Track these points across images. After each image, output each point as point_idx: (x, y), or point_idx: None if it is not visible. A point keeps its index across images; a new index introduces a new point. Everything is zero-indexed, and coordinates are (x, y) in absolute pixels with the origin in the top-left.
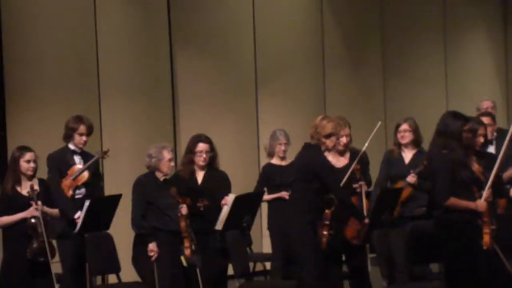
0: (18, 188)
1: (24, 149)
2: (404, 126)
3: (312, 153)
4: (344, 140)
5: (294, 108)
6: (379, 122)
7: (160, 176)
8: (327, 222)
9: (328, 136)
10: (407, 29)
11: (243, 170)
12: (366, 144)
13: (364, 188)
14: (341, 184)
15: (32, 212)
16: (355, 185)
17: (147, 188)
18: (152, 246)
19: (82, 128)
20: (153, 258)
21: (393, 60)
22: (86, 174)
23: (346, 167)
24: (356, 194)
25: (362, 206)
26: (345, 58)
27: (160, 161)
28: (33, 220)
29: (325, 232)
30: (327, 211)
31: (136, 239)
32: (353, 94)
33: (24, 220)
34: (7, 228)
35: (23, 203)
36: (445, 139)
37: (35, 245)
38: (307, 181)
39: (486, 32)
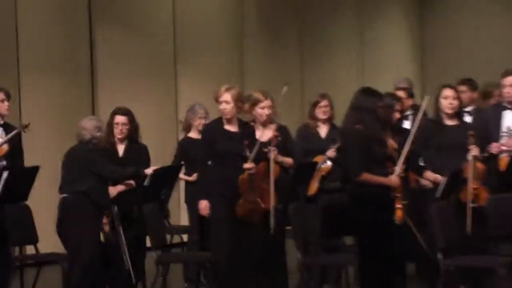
0: None
1: None
2: (325, 102)
3: None
4: (266, 111)
5: (213, 84)
6: (285, 87)
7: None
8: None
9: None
10: (324, 8)
11: (162, 144)
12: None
13: (274, 154)
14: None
15: None
16: (265, 149)
17: (96, 156)
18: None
19: (1, 95)
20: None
21: (310, 38)
22: (6, 147)
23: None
24: (266, 159)
25: (270, 170)
26: (264, 36)
27: (103, 133)
28: None
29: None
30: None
31: (63, 205)
32: (271, 72)
33: None
34: None
35: None
36: (359, 115)
37: None
38: None
39: (402, 14)
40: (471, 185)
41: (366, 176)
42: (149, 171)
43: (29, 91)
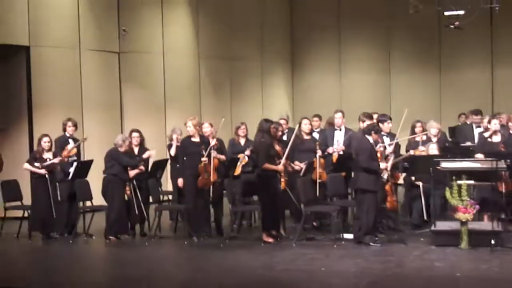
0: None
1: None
2: (243, 126)
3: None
4: (212, 131)
5: (185, 117)
6: (223, 119)
7: (121, 150)
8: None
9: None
10: (244, 72)
11: (157, 148)
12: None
13: (214, 154)
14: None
15: None
16: (211, 151)
17: (119, 154)
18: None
19: (70, 123)
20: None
21: (236, 90)
22: (75, 150)
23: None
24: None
25: (211, 162)
26: (211, 89)
27: (125, 143)
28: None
29: (200, 178)
30: (200, 165)
31: (104, 180)
32: (216, 109)
33: None
34: None
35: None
36: (262, 133)
37: None
38: None
39: (283, 78)
40: (318, 170)
41: (266, 165)
42: (145, 155)
43: (88, 120)
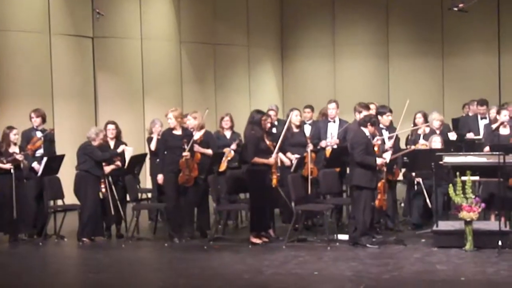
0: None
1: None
2: (228, 118)
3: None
4: (195, 122)
5: (165, 107)
6: (207, 110)
7: (94, 143)
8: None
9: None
10: (228, 64)
11: (135, 142)
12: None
13: (197, 148)
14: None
15: None
16: (194, 145)
17: (93, 148)
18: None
19: (34, 114)
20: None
21: (220, 80)
22: (40, 142)
23: None
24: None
25: (193, 157)
26: (194, 79)
27: (99, 136)
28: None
29: (180, 175)
30: (181, 160)
31: (77, 177)
32: (199, 100)
33: None
34: None
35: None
36: (252, 125)
37: None
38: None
39: (272, 68)
40: (309, 165)
41: (256, 159)
42: (119, 150)
43: (59, 111)
